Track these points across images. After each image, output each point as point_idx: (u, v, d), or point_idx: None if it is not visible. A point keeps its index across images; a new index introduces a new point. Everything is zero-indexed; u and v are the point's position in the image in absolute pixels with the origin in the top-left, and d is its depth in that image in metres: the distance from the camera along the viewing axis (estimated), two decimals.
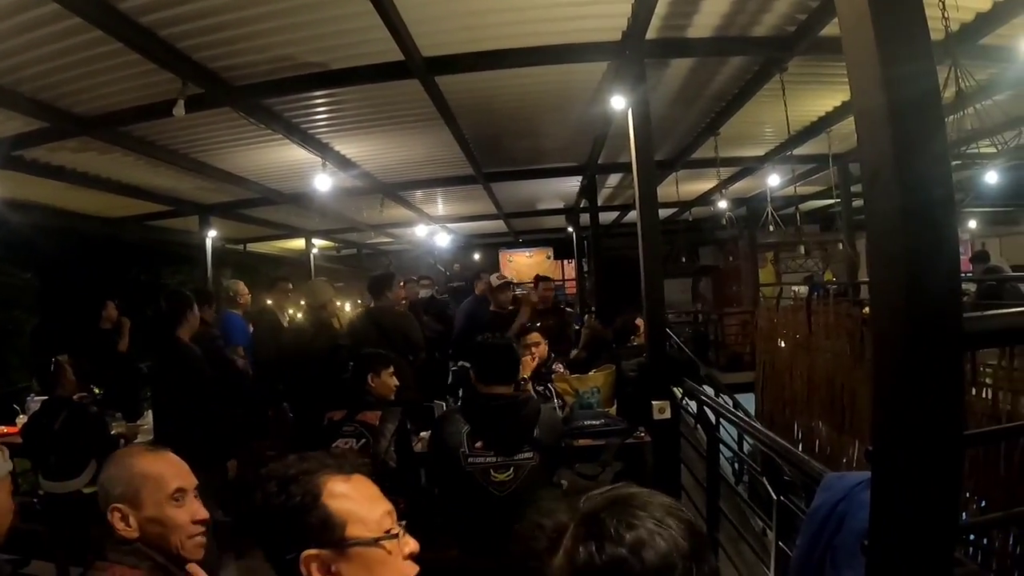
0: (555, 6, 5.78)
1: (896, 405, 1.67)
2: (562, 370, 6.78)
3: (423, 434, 5.70)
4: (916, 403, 1.61)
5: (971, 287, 10.71)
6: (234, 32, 5.77)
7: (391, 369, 5.20)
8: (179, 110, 6.33)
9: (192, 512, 2.28)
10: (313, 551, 1.67)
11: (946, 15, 4.76)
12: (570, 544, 1.10)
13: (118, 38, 5.52)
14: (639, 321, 7.68)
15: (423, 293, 11.23)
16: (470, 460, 3.90)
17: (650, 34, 6.14)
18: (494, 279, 8.78)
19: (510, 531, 1.28)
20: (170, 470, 2.30)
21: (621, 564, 1.07)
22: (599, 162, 11.55)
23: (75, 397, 6.44)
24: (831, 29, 6.04)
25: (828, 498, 2.40)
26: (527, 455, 3.88)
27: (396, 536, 1.77)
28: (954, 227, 1.66)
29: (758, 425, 5.52)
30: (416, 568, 1.79)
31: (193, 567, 2.16)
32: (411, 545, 1.81)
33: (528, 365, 6.09)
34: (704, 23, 6.25)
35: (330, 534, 1.69)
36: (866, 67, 1.73)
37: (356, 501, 1.77)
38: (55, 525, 5.78)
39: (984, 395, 6.58)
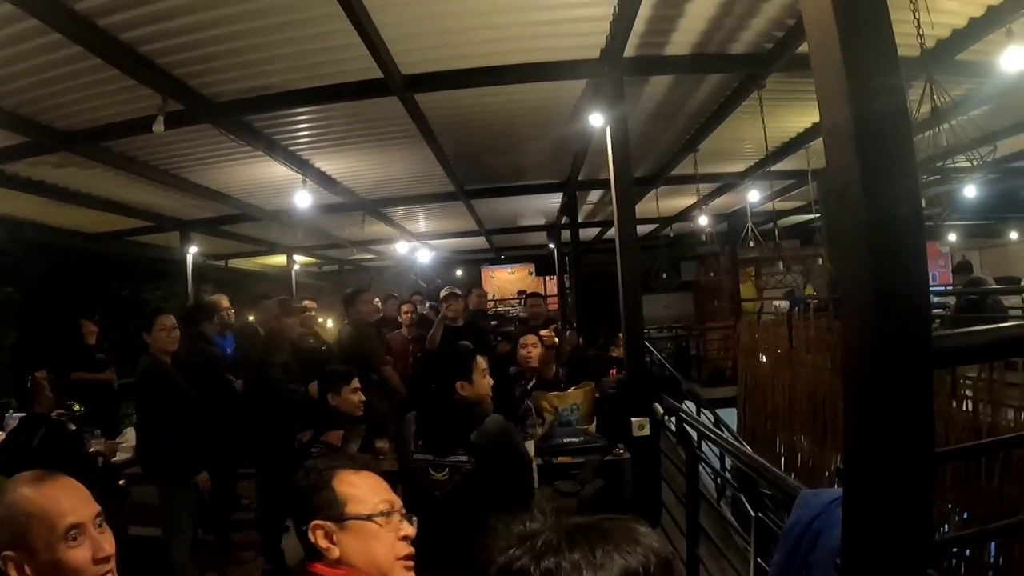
0: (533, 24, 5.79)
1: (866, 423, 1.68)
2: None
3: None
4: (886, 421, 1.62)
5: (951, 300, 10.77)
6: (214, 49, 5.77)
7: (352, 385, 5.16)
8: (158, 126, 6.32)
9: (94, 549, 1.92)
10: (319, 521, 2.11)
11: (921, 32, 4.80)
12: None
13: (98, 54, 5.51)
14: (622, 334, 7.73)
15: (420, 309, 11.02)
16: (414, 456, 4.08)
17: (628, 52, 6.18)
18: (443, 291, 8.59)
19: (448, 530, 1.40)
20: (60, 505, 1.90)
21: None
22: (579, 179, 11.59)
23: (53, 414, 6.37)
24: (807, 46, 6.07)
25: (804, 515, 2.41)
26: (462, 458, 3.97)
27: (388, 515, 2.17)
28: (922, 245, 1.67)
29: (736, 443, 5.52)
30: (410, 549, 2.19)
31: None
32: (407, 530, 2.21)
33: (535, 356, 6.50)
34: (682, 40, 6.27)
35: (333, 509, 2.13)
36: (833, 84, 1.75)
37: (359, 488, 2.19)
38: None
39: (964, 407, 6.61)
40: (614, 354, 7.68)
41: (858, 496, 1.74)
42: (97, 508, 2.01)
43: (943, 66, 6.14)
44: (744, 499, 5.06)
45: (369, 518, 2.13)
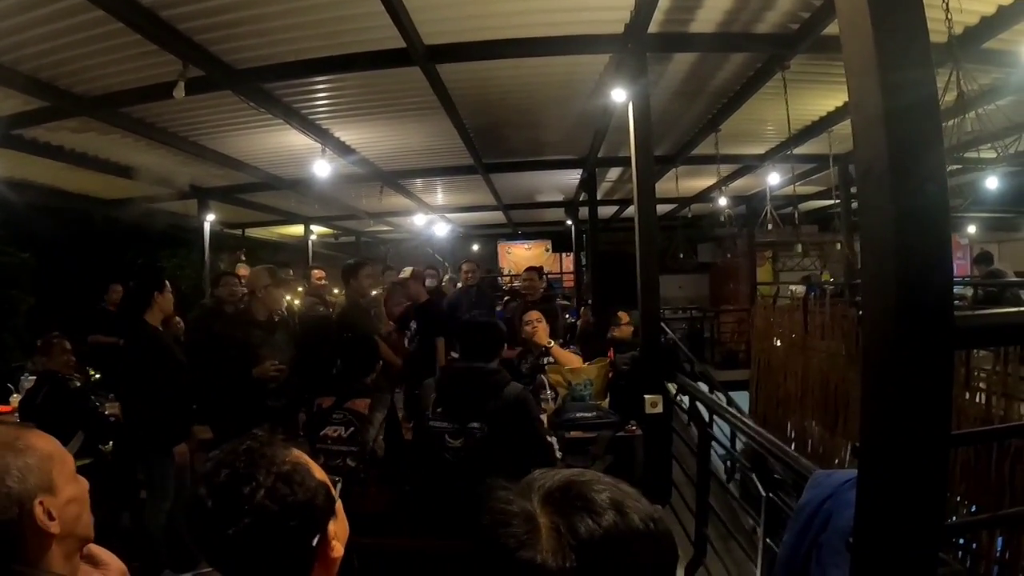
0: None
1: (884, 401, 1.67)
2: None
3: None
4: (904, 400, 1.60)
5: (969, 291, 10.70)
6: (236, 15, 5.76)
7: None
8: (179, 92, 6.32)
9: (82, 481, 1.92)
10: None
11: (949, 18, 4.75)
12: (558, 521, 1.08)
13: (119, 19, 5.51)
14: (620, 313, 7.71)
15: (429, 283, 10.95)
16: (431, 423, 4.18)
17: (653, 28, 6.13)
18: (405, 271, 8.29)
19: (460, 495, 1.35)
20: (59, 444, 1.89)
21: (621, 529, 1.07)
22: (599, 156, 11.53)
23: (67, 375, 6.44)
24: (834, 28, 6.01)
25: (815, 495, 2.40)
26: (476, 425, 4.05)
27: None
28: (947, 225, 1.65)
29: (749, 421, 5.50)
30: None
31: (93, 547, 1.96)
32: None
33: (542, 334, 6.49)
34: (707, 18, 6.23)
35: None
36: (864, 68, 1.72)
37: None
38: None
39: (978, 399, 6.58)
40: (616, 334, 7.62)
41: (873, 475, 1.73)
42: None
43: (970, 54, 6.07)
44: (755, 478, 5.04)
45: None
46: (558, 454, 4.35)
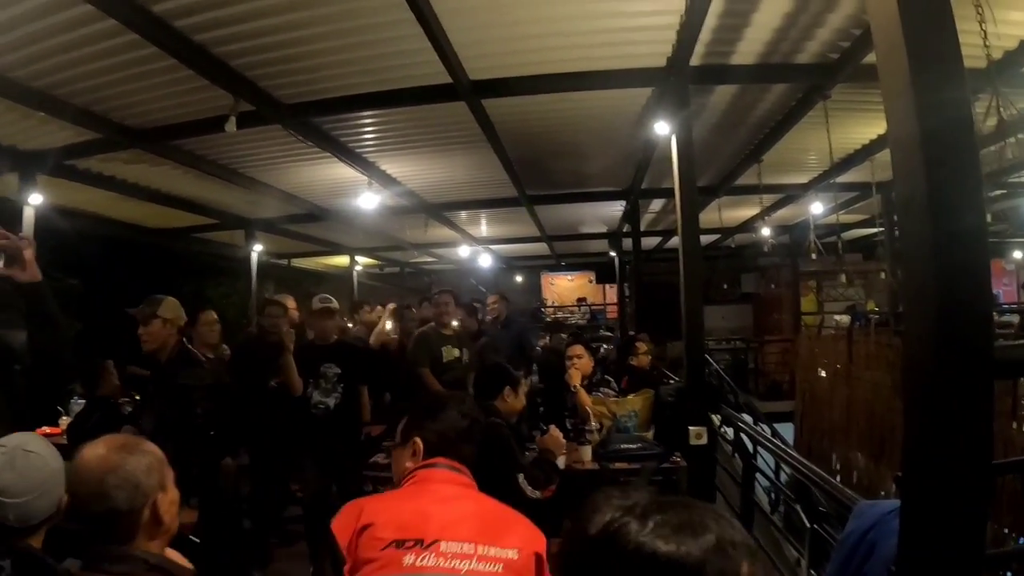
0: (601, 32, 5.84)
1: (925, 431, 1.70)
2: (612, 396, 6.72)
3: None
4: (945, 429, 1.64)
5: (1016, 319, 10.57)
6: (287, 52, 5.92)
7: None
8: (231, 126, 6.48)
9: None
10: None
11: (987, 43, 4.74)
12: (657, 535, 1.12)
13: (172, 54, 5.69)
14: (639, 343, 7.70)
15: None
16: None
17: (694, 60, 6.18)
18: (315, 302, 6.79)
19: None
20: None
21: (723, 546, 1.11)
22: (642, 187, 11.57)
23: (118, 400, 6.56)
24: (874, 57, 6.00)
25: (859, 525, 2.42)
26: None
27: None
28: (986, 255, 1.68)
29: (794, 453, 5.48)
30: None
31: (171, 551, 2.24)
32: None
33: (574, 375, 6.35)
34: (748, 50, 6.27)
35: None
36: (900, 96, 1.77)
37: None
38: None
39: None
40: (633, 362, 7.59)
41: (915, 504, 1.76)
42: None
43: (1010, 78, 6.01)
44: (800, 510, 5.03)
45: None
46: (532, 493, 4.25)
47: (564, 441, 5.12)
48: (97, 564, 2.02)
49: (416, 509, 2.23)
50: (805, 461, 4.83)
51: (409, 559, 2.10)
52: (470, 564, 2.16)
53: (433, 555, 2.13)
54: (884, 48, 1.86)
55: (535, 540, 2.32)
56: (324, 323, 6.52)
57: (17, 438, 2.41)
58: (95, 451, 2.12)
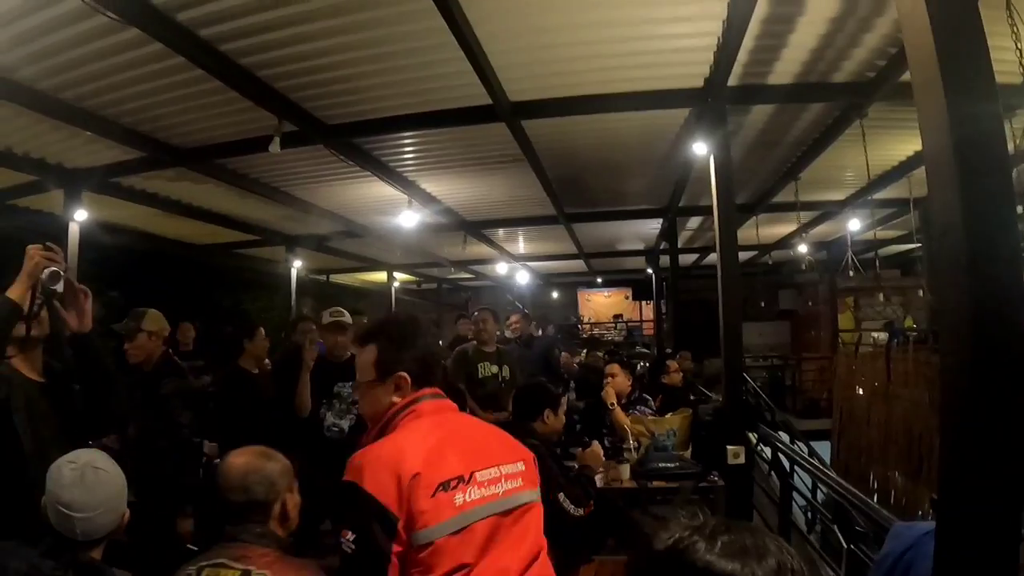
0: (638, 54, 5.89)
1: (962, 453, 1.73)
2: (649, 414, 6.74)
3: None
4: (982, 451, 1.66)
5: None
6: (331, 74, 6.05)
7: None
8: (275, 147, 6.63)
9: None
10: None
11: (1023, 60, 4.71)
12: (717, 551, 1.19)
13: (218, 77, 5.84)
14: (670, 361, 7.72)
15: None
16: None
17: (731, 81, 6.21)
18: (325, 315, 6.38)
19: None
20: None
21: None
22: (680, 205, 11.60)
23: None
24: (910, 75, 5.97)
25: (896, 547, 2.43)
26: None
27: None
28: (1020, 272, 1.71)
29: (831, 472, 5.47)
30: None
31: None
32: None
33: (610, 393, 6.39)
34: (785, 70, 6.29)
35: None
36: (934, 111, 1.81)
37: None
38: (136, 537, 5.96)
39: None
40: (665, 381, 7.60)
41: (950, 526, 1.78)
42: None
43: None
44: (837, 531, 5.02)
45: None
46: (575, 511, 4.23)
47: (603, 457, 5.18)
48: (236, 536, 2.36)
49: (441, 447, 2.18)
50: (841, 481, 4.83)
51: (459, 498, 2.10)
52: (501, 485, 2.22)
53: (475, 488, 2.15)
54: (918, 64, 1.90)
55: (524, 448, 2.48)
56: (336, 338, 6.05)
57: (87, 455, 2.55)
58: (239, 457, 2.51)
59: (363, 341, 2.39)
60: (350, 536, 2.01)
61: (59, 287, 3.00)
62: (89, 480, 2.44)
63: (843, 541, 4.56)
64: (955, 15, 1.82)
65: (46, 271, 2.96)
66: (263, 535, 2.37)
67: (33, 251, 2.97)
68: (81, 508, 2.40)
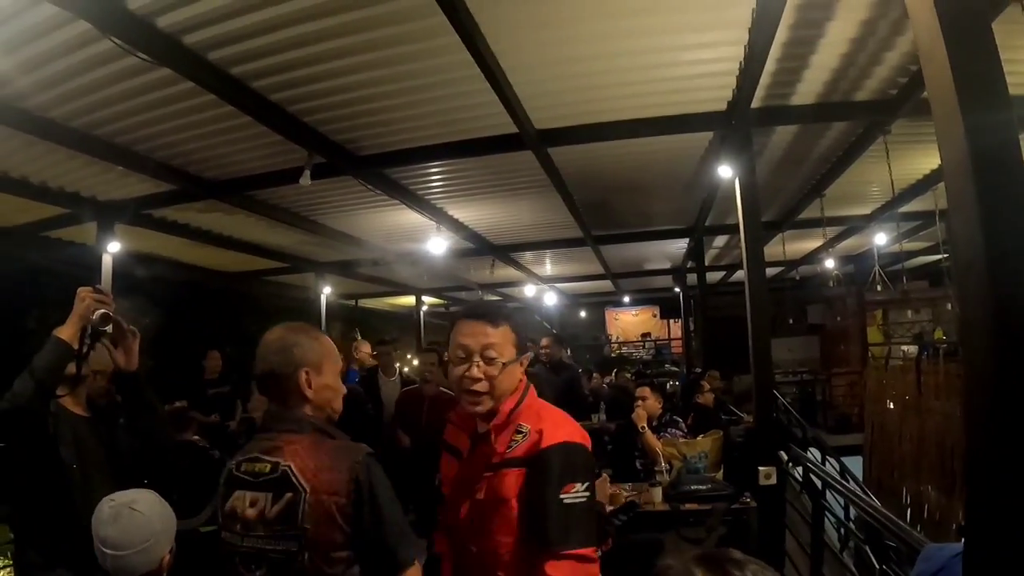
0: (662, 80, 5.96)
1: (988, 482, 1.77)
2: (680, 436, 6.76)
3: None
4: (1008, 482, 1.70)
5: None
6: (359, 108, 6.17)
7: None
8: (305, 180, 6.74)
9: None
10: None
11: None
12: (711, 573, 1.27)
13: (249, 113, 5.96)
14: (704, 382, 7.73)
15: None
16: None
17: (755, 103, 6.26)
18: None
19: None
20: (338, 352, 2.63)
21: None
22: (706, 224, 11.65)
23: (205, 445, 6.78)
24: None
25: (927, 568, 2.47)
26: None
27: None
28: None
29: (862, 493, 5.47)
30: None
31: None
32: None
33: (640, 416, 6.47)
34: (807, 90, 6.33)
35: None
36: (950, 123, 1.86)
37: None
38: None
39: None
40: (699, 400, 7.62)
41: (978, 547, 1.81)
42: None
43: None
44: (869, 551, 5.02)
45: None
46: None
47: (609, 488, 5.26)
48: (270, 424, 2.44)
49: None
50: (873, 502, 4.83)
51: None
52: None
53: None
54: (933, 78, 1.95)
55: None
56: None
57: (129, 495, 2.64)
58: (275, 331, 2.52)
59: (497, 322, 2.52)
60: (581, 488, 2.27)
61: (109, 328, 3.11)
62: (124, 520, 2.54)
63: (875, 561, 4.56)
64: (968, 31, 1.88)
65: (97, 313, 3.07)
66: (293, 421, 2.41)
67: (84, 293, 3.08)
68: (114, 546, 2.52)
